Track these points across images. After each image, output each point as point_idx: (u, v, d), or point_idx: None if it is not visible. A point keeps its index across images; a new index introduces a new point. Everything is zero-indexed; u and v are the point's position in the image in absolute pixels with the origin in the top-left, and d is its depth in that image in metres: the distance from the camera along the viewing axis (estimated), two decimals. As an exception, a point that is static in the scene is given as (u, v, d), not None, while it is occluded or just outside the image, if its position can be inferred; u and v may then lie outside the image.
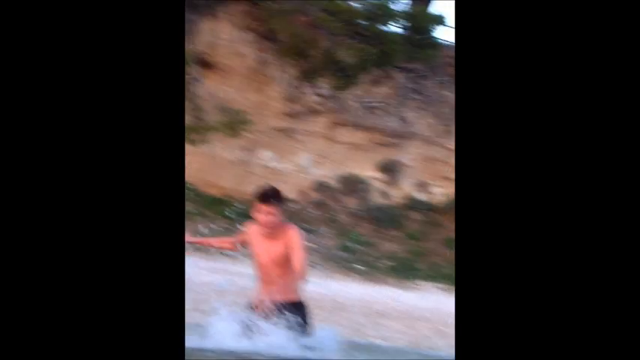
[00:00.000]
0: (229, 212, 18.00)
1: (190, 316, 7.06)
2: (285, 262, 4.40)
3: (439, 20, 18.19)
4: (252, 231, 4.66)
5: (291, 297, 4.45)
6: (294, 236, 4.48)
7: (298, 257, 4.39)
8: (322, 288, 12.82)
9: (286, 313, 4.29)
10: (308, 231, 18.26)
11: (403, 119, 19.81)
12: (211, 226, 17.43)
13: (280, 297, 4.33)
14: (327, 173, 19.61)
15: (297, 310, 4.40)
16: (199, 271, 10.85)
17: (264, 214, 4.41)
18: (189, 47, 18.09)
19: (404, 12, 18.30)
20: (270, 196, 4.48)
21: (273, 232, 4.46)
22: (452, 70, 16.10)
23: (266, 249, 4.47)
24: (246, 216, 18.03)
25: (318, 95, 19.64)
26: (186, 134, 17.07)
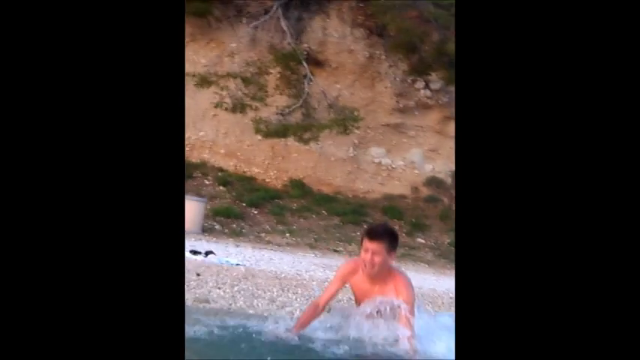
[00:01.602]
0: (341, 209, 18.10)
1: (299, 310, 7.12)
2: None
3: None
4: (352, 267, 4.12)
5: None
6: (405, 290, 3.92)
7: (406, 317, 3.87)
8: (436, 284, 12.65)
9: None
10: (421, 227, 18.08)
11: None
12: (320, 223, 17.58)
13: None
14: (439, 168, 19.33)
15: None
16: (313, 268, 10.99)
17: (370, 252, 3.88)
18: (300, 46, 18.36)
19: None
20: (379, 233, 3.99)
21: (378, 275, 3.93)
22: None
23: (369, 292, 3.97)
24: (357, 213, 18.13)
25: (429, 89, 19.38)
26: (297, 132, 17.36)
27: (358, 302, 4.08)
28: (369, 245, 3.91)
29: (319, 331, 4.01)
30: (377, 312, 3.92)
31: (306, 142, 18.02)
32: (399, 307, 3.89)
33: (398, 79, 19.46)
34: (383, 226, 4.17)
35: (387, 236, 3.99)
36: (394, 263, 4.07)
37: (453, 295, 11.63)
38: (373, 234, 3.97)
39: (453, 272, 15.73)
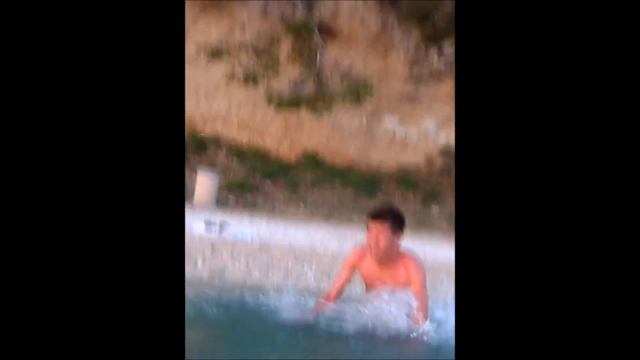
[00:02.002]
0: (355, 181, 18.06)
1: (317, 285, 7.14)
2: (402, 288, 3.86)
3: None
4: (360, 253, 4.04)
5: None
6: (416, 272, 3.85)
7: (421, 299, 3.83)
8: (451, 254, 12.63)
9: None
10: (435, 197, 18.02)
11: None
12: (334, 194, 17.56)
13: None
14: (453, 138, 19.20)
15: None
16: (327, 240, 11.01)
17: (375, 233, 3.81)
18: (311, 15, 18.18)
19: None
20: (383, 212, 3.93)
21: (386, 258, 3.87)
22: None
23: (380, 277, 3.90)
24: (371, 184, 18.10)
25: (443, 58, 19.18)
26: (310, 103, 17.28)
27: (369, 289, 4.02)
28: (373, 225, 3.86)
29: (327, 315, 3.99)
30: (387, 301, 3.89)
31: (319, 113, 17.93)
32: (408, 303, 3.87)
33: (411, 47, 19.25)
34: (387, 206, 4.10)
35: (390, 216, 3.93)
36: (402, 245, 3.99)
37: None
38: (376, 214, 3.92)
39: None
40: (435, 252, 11.73)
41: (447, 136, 19.14)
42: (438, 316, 4.05)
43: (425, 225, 16.31)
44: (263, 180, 17.52)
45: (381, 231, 3.84)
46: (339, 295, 4.09)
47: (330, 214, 16.40)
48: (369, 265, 3.98)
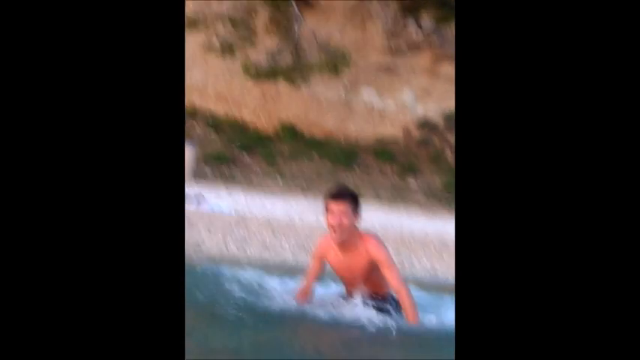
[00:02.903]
0: (333, 153, 18.03)
1: (295, 259, 7.12)
2: (369, 273, 3.93)
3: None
4: (325, 243, 4.08)
5: (378, 291, 4.01)
6: (376, 249, 3.91)
7: (392, 273, 3.89)
8: (428, 227, 12.70)
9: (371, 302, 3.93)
10: (412, 169, 18.06)
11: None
12: (312, 167, 17.54)
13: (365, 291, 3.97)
14: (430, 110, 19.20)
15: (384, 301, 3.96)
16: (305, 213, 10.99)
17: (336, 214, 3.84)
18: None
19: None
20: (343, 194, 4.00)
21: (347, 241, 3.90)
22: None
23: (346, 263, 3.96)
24: (349, 156, 18.09)
25: (421, 29, 19.09)
26: (287, 75, 17.15)
27: (341, 278, 4.08)
28: (335, 207, 3.88)
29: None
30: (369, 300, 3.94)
31: (296, 84, 17.80)
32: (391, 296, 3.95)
33: (389, 19, 19.12)
34: (344, 188, 4.15)
35: (350, 196, 3.98)
36: (360, 227, 4.03)
37: (443, 238, 11.70)
38: (337, 195, 3.96)
39: (444, 214, 15.84)
40: (411, 225, 11.79)
41: (425, 108, 19.14)
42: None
43: (402, 198, 16.35)
44: (240, 152, 17.42)
45: (343, 211, 3.87)
46: (312, 285, 4.13)
47: (308, 186, 16.38)
48: (335, 255, 4.01)
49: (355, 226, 3.95)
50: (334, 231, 3.89)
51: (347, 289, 4.10)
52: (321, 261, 4.11)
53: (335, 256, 4.00)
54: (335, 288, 4.33)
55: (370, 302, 3.95)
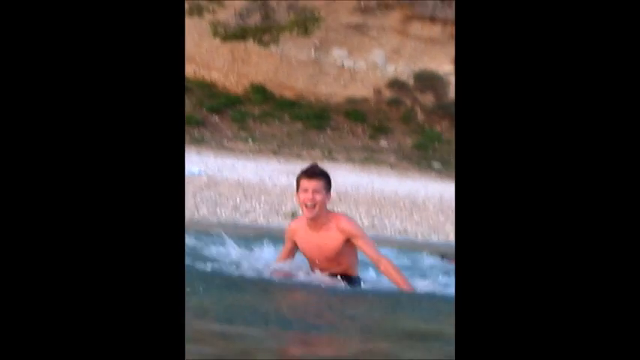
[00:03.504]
0: (304, 114, 17.95)
1: (267, 220, 7.12)
2: (339, 255, 3.95)
3: None
4: (295, 224, 4.16)
5: (347, 273, 4.03)
6: (349, 224, 3.98)
7: (368, 246, 3.95)
8: (398, 187, 12.76)
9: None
10: (384, 130, 18.08)
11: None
12: (283, 129, 17.46)
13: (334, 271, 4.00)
14: (401, 69, 19.15)
15: (350, 282, 3.98)
16: (276, 175, 10.96)
17: (310, 191, 3.86)
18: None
19: None
20: (317, 171, 3.98)
21: (319, 220, 3.93)
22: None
23: (315, 242, 3.98)
24: (320, 117, 18.02)
25: (391, -12, 18.92)
26: (256, 35, 16.93)
27: (310, 258, 4.07)
28: (309, 184, 3.90)
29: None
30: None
31: (266, 44, 17.61)
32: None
33: (359, -23, 18.90)
34: (316, 166, 4.14)
35: (323, 175, 3.99)
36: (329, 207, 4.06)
37: (414, 198, 11.78)
38: (311, 173, 3.97)
39: (415, 175, 15.94)
40: (383, 186, 11.84)
41: (395, 68, 19.08)
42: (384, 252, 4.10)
43: (373, 159, 16.39)
44: (210, 114, 17.26)
45: (317, 189, 3.89)
46: (284, 268, 4.12)
47: (279, 149, 16.32)
48: (304, 235, 4.02)
49: (326, 206, 3.97)
50: (307, 208, 3.90)
51: (313, 270, 4.10)
52: (292, 241, 4.12)
53: (305, 235, 4.02)
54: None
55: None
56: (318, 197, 3.89)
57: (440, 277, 4.39)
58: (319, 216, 3.93)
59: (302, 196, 3.91)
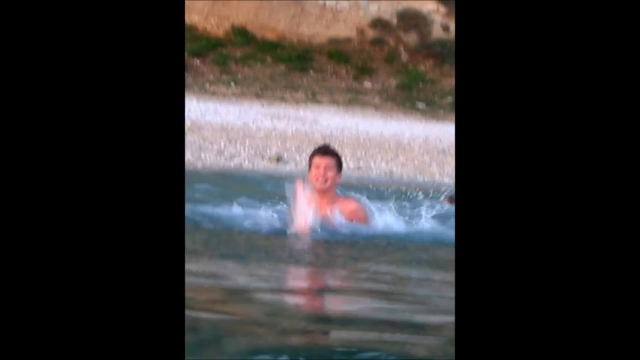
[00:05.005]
0: (287, 56, 17.72)
1: (251, 163, 7.09)
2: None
3: None
4: (300, 186, 4.08)
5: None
6: (357, 209, 4.05)
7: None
8: (383, 128, 12.73)
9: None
10: (367, 71, 17.91)
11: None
12: (266, 71, 17.25)
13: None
14: (384, 9, 18.88)
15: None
16: (260, 119, 10.87)
17: (322, 167, 3.93)
18: None
19: None
20: (330, 150, 4.07)
21: (326, 197, 3.99)
22: None
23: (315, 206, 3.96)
24: (303, 59, 17.80)
25: None
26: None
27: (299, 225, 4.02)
28: (321, 161, 3.99)
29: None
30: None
31: (246, -15, 17.22)
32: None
33: None
34: (329, 145, 4.22)
35: (335, 154, 4.10)
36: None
37: (399, 139, 11.77)
38: (324, 150, 4.08)
39: (399, 116, 15.89)
40: (367, 128, 11.81)
41: (378, 7, 18.80)
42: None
43: (357, 101, 16.28)
44: (191, 58, 16.99)
45: (328, 166, 3.98)
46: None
47: (262, 91, 16.16)
48: (305, 197, 3.99)
49: (336, 184, 4.05)
50: (317, 183, 3.97)
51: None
52: (302, 185, 4.06)
53: (304, 199, 3.98)
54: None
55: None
56: (330, 174, 3.98)
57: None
58: (328, 192, 4.02)
59: (314, 171, 3.99)
